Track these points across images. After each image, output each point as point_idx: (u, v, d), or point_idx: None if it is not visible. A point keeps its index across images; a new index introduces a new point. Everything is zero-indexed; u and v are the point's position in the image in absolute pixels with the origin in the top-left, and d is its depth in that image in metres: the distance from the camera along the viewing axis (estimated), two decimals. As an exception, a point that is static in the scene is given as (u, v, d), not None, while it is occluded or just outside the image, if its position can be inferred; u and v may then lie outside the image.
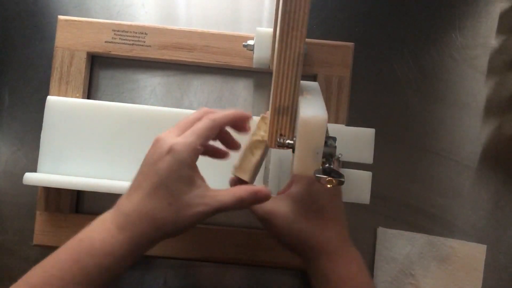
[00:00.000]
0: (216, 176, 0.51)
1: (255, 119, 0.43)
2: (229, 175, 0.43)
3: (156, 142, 0.37)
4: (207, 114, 0.39)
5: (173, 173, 0.36)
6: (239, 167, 0.41)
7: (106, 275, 0.35)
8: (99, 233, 0.36)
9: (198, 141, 0.37)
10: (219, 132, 0.40)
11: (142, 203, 0.36)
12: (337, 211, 0.41)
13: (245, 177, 0.41)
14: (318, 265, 0.40)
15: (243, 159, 0.41)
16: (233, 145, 0.43)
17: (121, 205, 0.37)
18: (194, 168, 0.37)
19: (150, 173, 0.36)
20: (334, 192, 0.41)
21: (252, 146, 0.41)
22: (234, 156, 0.43)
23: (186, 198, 0.36)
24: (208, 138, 0.38)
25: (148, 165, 0.37)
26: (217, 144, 0.43)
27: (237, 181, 0.42)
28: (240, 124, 0.41)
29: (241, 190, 0.38)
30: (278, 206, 0.40)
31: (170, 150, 0.36)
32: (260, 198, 0.38)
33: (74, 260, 0.35)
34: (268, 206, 0.40)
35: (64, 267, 0.35)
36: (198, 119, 0.39)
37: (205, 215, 0.36)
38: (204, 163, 0.40)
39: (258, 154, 0.41)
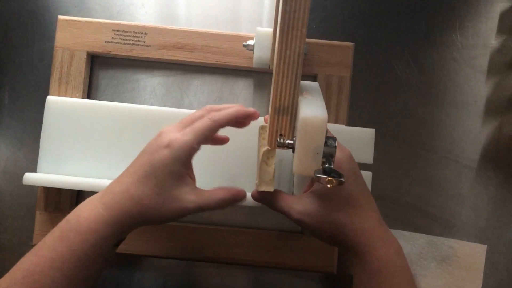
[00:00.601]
0: (209, 175, 0.51)
1: (260, 120, 0.43)
2: (222, 175, 0.44)
3: (159, 135, 0.39)
4: (209, 113, 0.40)
5: (166, 167, 0.37)
6: (260, 182, 0.42)
7: (91, 253, 0.36)
8: (86, 211, 0.38)
9: (195, 140, 0.38)
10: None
11: (131, 187, 0.38)
12: (365, 196, 0.41)
13: (270, 189, 0.42)
14: (356, 252, 0.40)
15: (261, 173, 0.42)
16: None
17: (111, 187, 0.39)
18: (187, 166, 0.39)
19: (145, 162, 0.38)
20: (356, 178, 0.41)
21: (264, 157, 0.42)
22: (233, 155, 0.43)
23: (173, 192, 0.38)
24: (207, 137, 0.39)
25: (145, 154, 0.39)
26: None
27: (261, 193, 0.42)
28: (242, 120, 0.42)
29: (224, 192, 0.40)
30: (307, 205, 0.40)
31: (168, 145, 0.38)
32: (239, 199, 0.41)
33: (61, 238, 0.36)
34: (298, 207, 0.40)
35: (52, 247, 0.36)
36: (201, 117, 0.40)
37: (188, 211, 0.38)
38: (201, 163, 0.42)
39: (272, 162, 0.42)
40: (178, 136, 0.38)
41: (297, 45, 0.35)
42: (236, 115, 0.41)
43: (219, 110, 0.41)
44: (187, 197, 0.38)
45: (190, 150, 0.38)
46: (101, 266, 0.38)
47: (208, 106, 0.42)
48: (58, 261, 0.36)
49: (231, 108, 0.41)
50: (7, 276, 0.36)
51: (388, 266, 0.39)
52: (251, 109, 0.41)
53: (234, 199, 0.41)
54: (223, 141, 0.46)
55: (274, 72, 0.37)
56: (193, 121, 0.40)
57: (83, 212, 0.38)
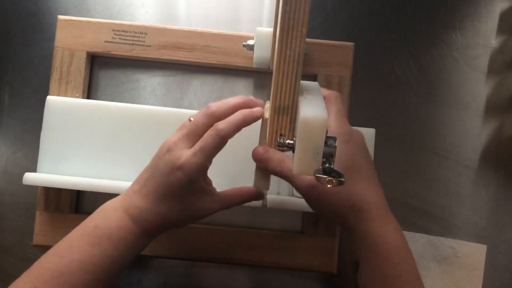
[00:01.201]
0: (221, 175, 0.51)
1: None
2: (223, 175, 0.48)
3: (167, 151, 0.39)
4: (217, 128, 0.39)
5: (183, 188, 0.39)
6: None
7: (122, 259, 0.39)
8: (115, 221, 0.39)
9: (206, 159, 0.39)
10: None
11: (156, 205, 0.39)
12: (373, 170, 0.41)
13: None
14: (360, 227, 0.39)
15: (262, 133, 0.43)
16: None
17: (134, 201, 0.40)
18: (203, 179, 0.41)
19: (162, 184, 0.39)
20: (365, 151, 0.41)
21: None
22: (234, 155, 0.43)
23: (196, 205, 0.40)
24: (216, 153, 0.40)
25: (160, 175, 0.39)
26: None
27: (266, 150, 0.41)
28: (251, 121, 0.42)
29: (241, 191, 0.42)
30: None
31: (180, 168, 0.38)
32: (258, 196, 0.43)
33: (93, 244, 0.38)
34: (309, 178, 0.39)
35: (83, 251, 0.37)
36: (206, 126, 0.40)
37: (213, 212, 0.41)
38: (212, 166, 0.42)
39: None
40: (189, 158, 0.38)
41: (297, 45, 0.35)
42: (244, 123, 0.40)
43: (222, 110, 0.40)
44: (209, 206, 0.41)
45: (203, 170, 0.40)
46: (124, 270, 0.40)
47: (211, 111, 0.40)
48: (89, 265, 0.37)
49: (237, 116, 0.40)
50: (31, 274, 0.37)
51: (396, 252, 0.39)
52: (257, 111, 0.41)
53: (253, 196, 0.43)
54: None
55: (274, 72, 0.37)
56: (198, 131, 0.40)
57: (113, 222, 0.39)
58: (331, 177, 0.34)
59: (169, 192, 0.39)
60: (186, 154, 0.39)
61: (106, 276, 0.38)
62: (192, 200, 0.40)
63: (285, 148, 0.38)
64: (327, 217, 0.42)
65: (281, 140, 0.37)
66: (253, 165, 0.51)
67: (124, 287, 0.54)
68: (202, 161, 0.39)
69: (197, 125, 0.40)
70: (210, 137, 0.39)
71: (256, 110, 0.41)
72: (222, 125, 0.39)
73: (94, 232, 0.38)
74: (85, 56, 0.53)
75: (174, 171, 0.38)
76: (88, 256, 0.37)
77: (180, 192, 0.39)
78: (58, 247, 0.38)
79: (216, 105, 0.41)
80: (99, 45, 0.53)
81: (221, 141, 0.39)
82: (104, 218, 0.39)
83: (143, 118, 0.51)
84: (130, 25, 0.53)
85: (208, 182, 0.43)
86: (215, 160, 0.43)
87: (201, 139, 0.39)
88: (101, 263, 0.37)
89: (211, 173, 0.50)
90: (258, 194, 0.43)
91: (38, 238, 0.51)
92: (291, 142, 0.37)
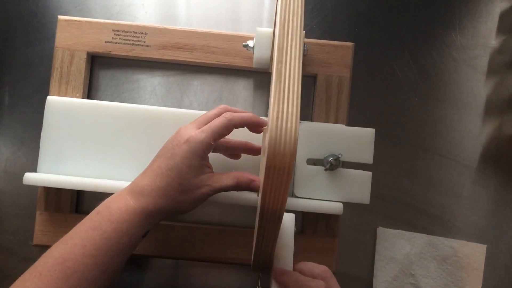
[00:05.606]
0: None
1: None
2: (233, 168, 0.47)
3: (177, 132, 0.43)
4: (226, 113, 0.44)
5: (185, 160, 0.41)
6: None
7: (123, 241, 0.39)
8: (116, 202, 0.40)
9: (212, 137, 0.42)
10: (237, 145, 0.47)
11: (156, 180, 0.41)
12: None
13: None
14: None
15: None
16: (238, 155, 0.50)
17: (138, 181, 0.42)
18: (205, 158, 0.43)
19: (167, 157, 0.41)
20: None
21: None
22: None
23: (193, 181, 0.41)
24: (222, 135, 0.43)
25: (166, 150, 0.42)
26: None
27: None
28: (254, 127, 0.45)
29: (239, 176, 0.43)
30: None
31: (187, 141, 0.41)
32: (253, 186, 0.43)
33: (93, 228, 0.39)
34: None
35: (84, 236, 0.38)
36: (217, 115, 0.44)
37: (208, 195, 0.42)
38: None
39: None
40: (197, 133, 0.42)
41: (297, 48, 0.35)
42: (250, 120, 0.44)
43: (233, 108, 0.45)
44: (205, 183, 0.42)
45: (206, 146, 0.41)
46: (128, 256, 0.40)
47: (223, 106, 0.45)
48: (90, 249, 0.38)
49: (246, 113, 0.44)
50: (37, 264, 0.38)
51: None
52: (264, 120, 0.44)
53: (247, 185, 0.43)
54: (236, 156, 0.50)
55: (273, 72, 0.37)
56: (209, 118, 0.44)
57: (114, 203, 0.40)
58: None
59: (172, 164, 0.40)
60: (194, 132, 0.42)
61: (108, 260, 0.38)
62: (190, 175, 0.41)
63: None
64: None
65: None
66: (253, 164, 0.51)
67: (124, 287, 0.54)
68: (207, 136, 0.41)
69: (208, 115, 0.44)
70: (218, 118, 0.43)
71: (262, 118, 0.45)
72: (230, 112, 0.44)
73: (96, 217, 0.40)
74: (85, 56, 0.53)
75: (181, 144, 0.41)
76: (89, 240, 0.38)
77: (181, 165, 0.40)
78: (64, 236, 0.39)
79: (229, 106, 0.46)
80: (99, 45, 0.53)
81: (227, 123, 0.42)
82: (107, 203, 0.41)
83: (143, 118, 0.51)
84: (130, 25, 0.53)
85: (209, 166, 0.44)
86: (216, 162, 0.44)
87: (210, 122, 0.43)
88: (102, 246, 0.38)
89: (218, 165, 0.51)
90: (257, 184, 0.43)
91: (38, 238, 0.51)
92: None
